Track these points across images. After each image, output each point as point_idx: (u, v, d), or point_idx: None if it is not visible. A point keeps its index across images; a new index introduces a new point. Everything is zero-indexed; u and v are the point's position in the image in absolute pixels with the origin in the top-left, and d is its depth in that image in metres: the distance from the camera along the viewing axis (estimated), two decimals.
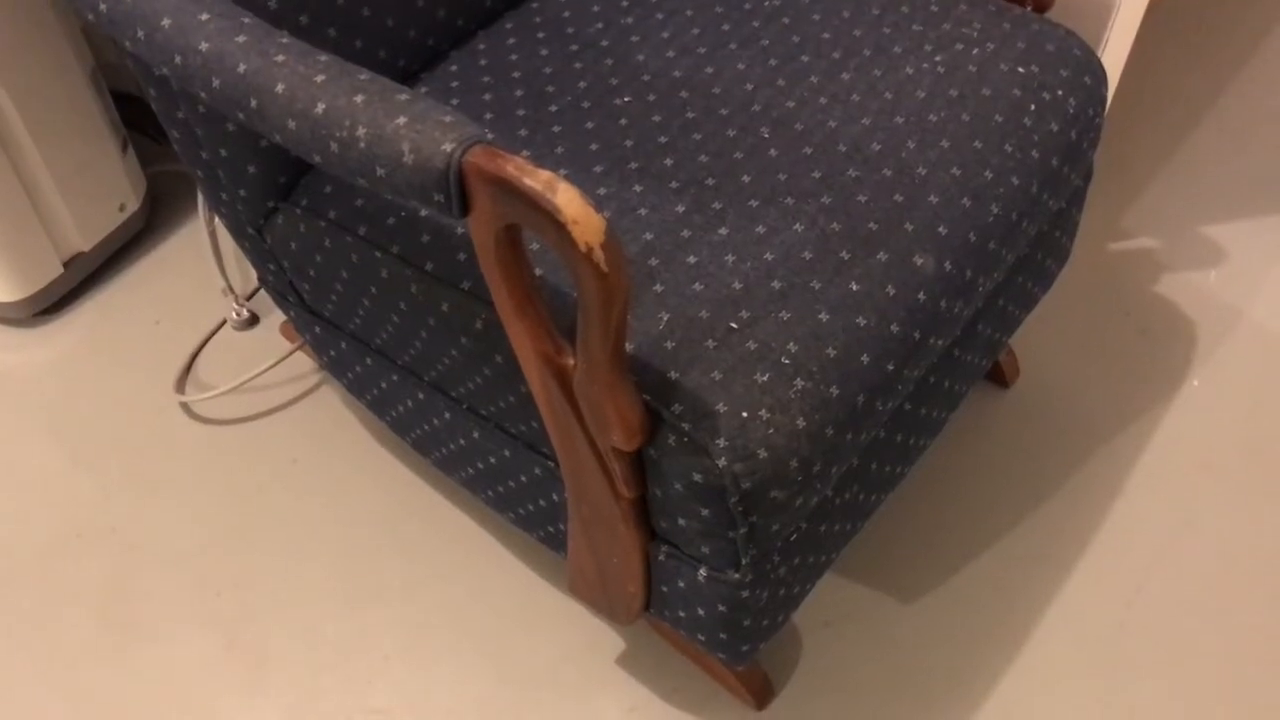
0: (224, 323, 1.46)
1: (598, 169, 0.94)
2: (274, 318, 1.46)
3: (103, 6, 0.80)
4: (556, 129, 0.98)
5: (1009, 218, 0.95)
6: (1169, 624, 1.17)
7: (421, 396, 1.05)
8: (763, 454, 0.79)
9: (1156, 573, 1.20)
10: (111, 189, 1.47)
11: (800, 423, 0.80)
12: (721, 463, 0.78)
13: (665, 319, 0.83)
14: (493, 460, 1.03)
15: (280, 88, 0.72)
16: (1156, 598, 1.19)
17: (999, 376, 1.36)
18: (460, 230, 0.91)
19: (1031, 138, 0.98)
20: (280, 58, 0.73)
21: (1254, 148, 1.67)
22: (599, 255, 0.64)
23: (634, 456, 0.83)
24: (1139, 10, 1.24)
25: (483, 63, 1.07)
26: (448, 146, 0.66)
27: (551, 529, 1.04)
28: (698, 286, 0.85)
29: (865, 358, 0.84)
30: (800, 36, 1.05)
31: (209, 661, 1.16)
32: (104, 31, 0.82)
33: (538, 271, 0.87)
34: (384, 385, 1.10)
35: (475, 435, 1.02)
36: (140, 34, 0.78)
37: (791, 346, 0.82)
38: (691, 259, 0.86)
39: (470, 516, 1.26)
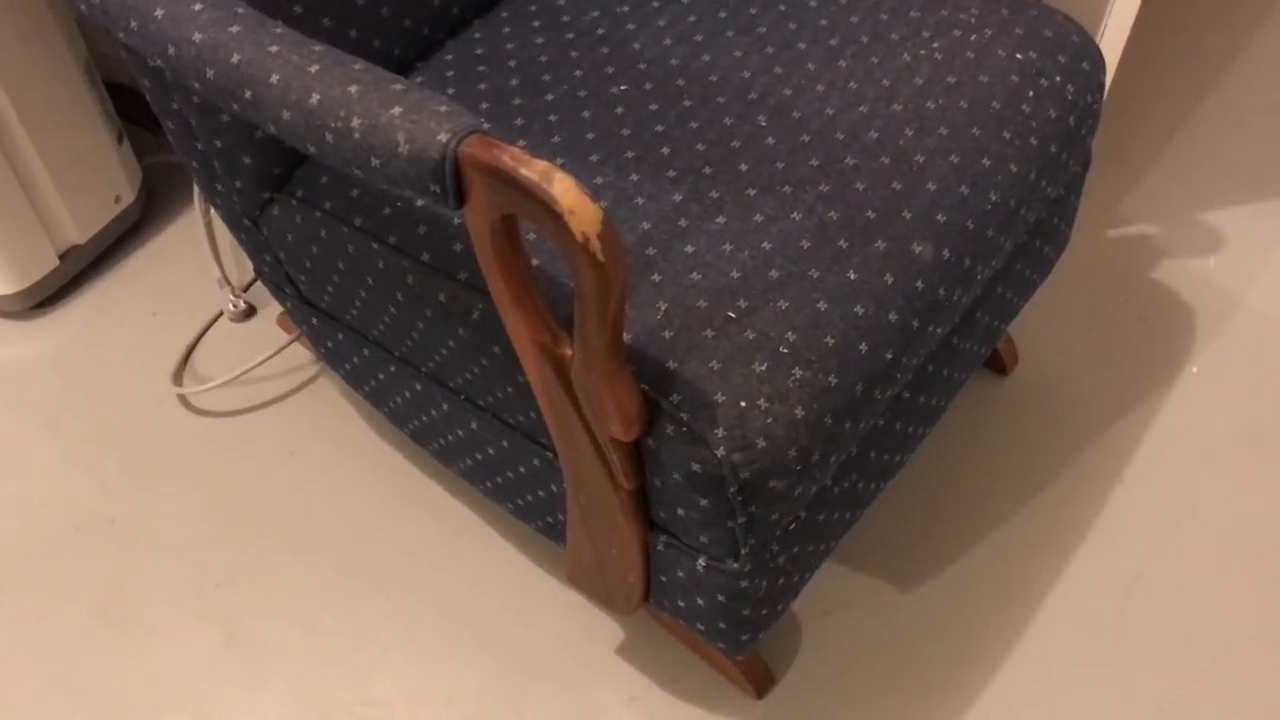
0: (221, 314, 1.46)
1: (594, 158, 0.94)
2: (271, 309, 1.46)
3: None
4: (553, 118, 0.98)
5: (1007, 205, 0.95)
6: (1167, 612, 1.17)
7: (419, 387, 1.05)
8: (761, 443, 0.79)
9: (1155, 561, 1.21)
10: (107, 181, 1.46)
11: (799, 412, 0.80)
12: (720, 452, 0.78)
13: (663, 308, 0.83)
14: (491, 451, 1.02)
15: (274, 78, 0.72)
16: (1155, 586, 1.19)
17: (998, 364, 1.36)
18: (457, 220, 0.91)
19: (1030, 124, 0.98)
20: (274, 48, 0.73)
21: (1253, 133, 1.66)
22: (596, 245, 0.64)
23: (632, 447, 0.82)
24: None
25: (478, 52, 1.06)
26: (443, 136, 0.66)
27: (550, 519, 1.04)
28: (695, 276, 0.84)
29: (864, 346, 0.84)
30: (797, 24, 1.04)
31: (208, 654, 1.16)
32: (97, 22, 0.82)
33: (534, 261, 0.87)
34: (382, 376, 1.10)
35: (473, 426, 1.02)
36: (133, 25, 0.78)
37: (790, 335, 0.82)
38: (689, 248, 0.86)
39: (469, 507, 1.26)
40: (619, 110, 0.97)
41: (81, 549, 1.24)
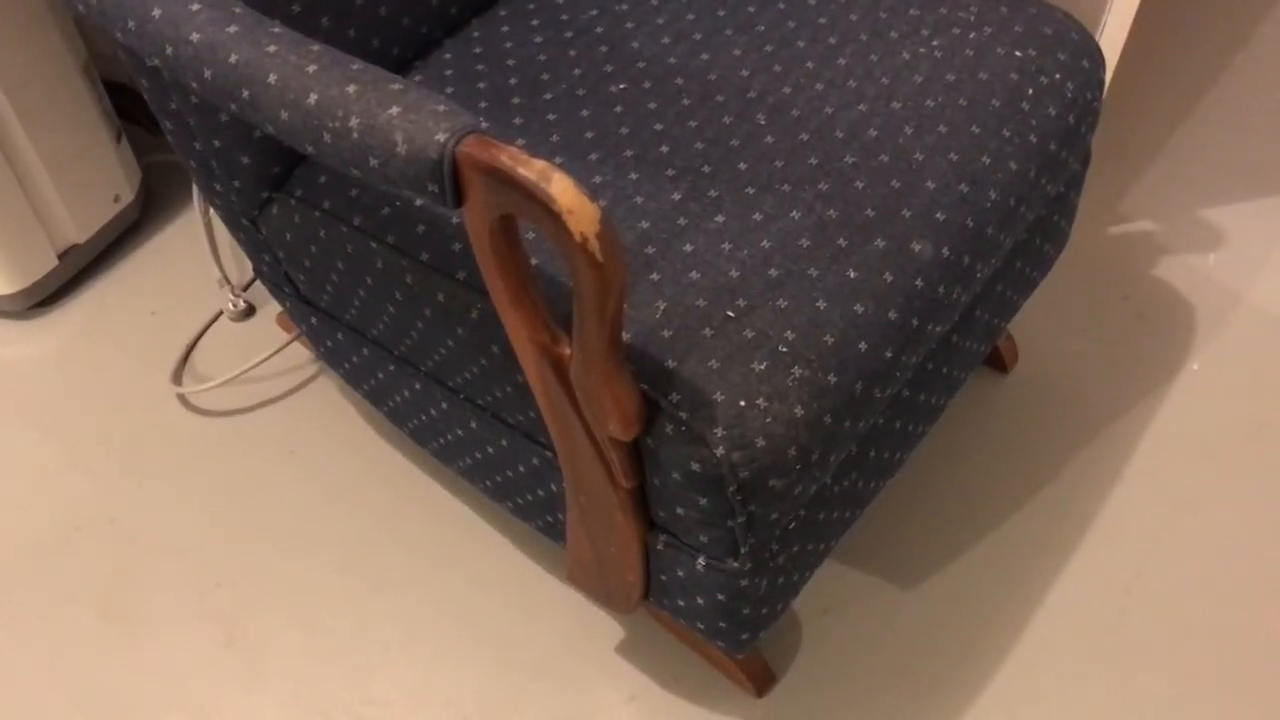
0: (220, 314, 1.46)
1: (593, 157, 0.94)
2: (271, 308, 1.46)
3: None
4: (551, 117, 0.98)
5: (1007, 203, 0.95)
6: (1169, 609, 1.17)
7: (419, 387, 1.05)
8: (761, 443, 0.78)
9: (1156, 558, 1.20)
10: (106, 180, 1.46)
11: (798, 411, 0.80)
12: (719, 452, 0.78)
13: (662, 307, 0.83)
14: (490, 450, 1.02)
15: (272, 78, 0.72)
16: (1156, 583, 1.19)
17: (998, 362, 1.36)
18: (455, 220, 0.91)
19: (1029, 122, 0.98)
20: (272, 48, 0.73)
21: (1253, 130, 1.66)
22: (594, 245, 0.64)
23: (631, 446, 0.82)
24: None
25: (477, 50, 1.06)
26: (441, 136, 0.66)
27: (550, 518, 1.04)
28: (694, 275, 0.84)
29: (863, 345, 0.84)
30: (796, 22, 1.04)
31: (208, 653, 1.16)
32: (95, 22, 0.81)
33: (533, 260, 0.87)
34: (381, 375, 1.10)
35: (473, 425, 1.02)
36: (131, 25, 0.78)
37: (789, 334, 0.82)
38: (688, 247, 0.86)
39: (469, 506, 1.26)
40: (618, 109, 0.97)
41: (81, 549, 1.24)
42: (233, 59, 0.73)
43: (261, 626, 1.18)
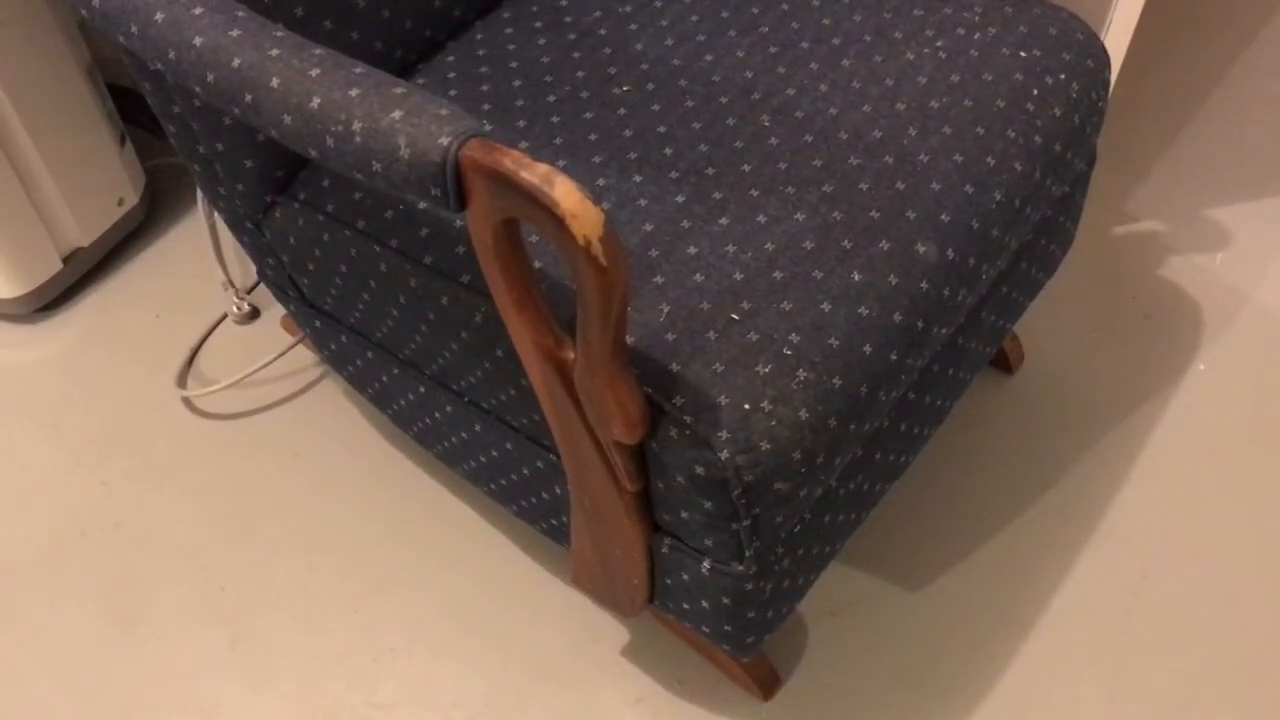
0: (225, 317, 1.46)
1: (597, 159, 0.93)
2: (275, 311, 1.46)
3: (96, 1, 0.80)
4: (555, 119, 0.97)
5: (1012, 204, 0.95)
6: (1176, 610, 1.16)
7: (423, 390, 1.05)
8: (765, 446, 0.78)
9: (1163, 559, 1.20)
10: (110, 183, 1.46)
11: (803, 414, 0.80)
12: (724, 455, 0.78)
13: (666, 311, 0.82)
14: (495, 453, 1.02)
15: (275, 82, 0.72)
16: (1163, 584, 1.18)
17: (1003, 363, 1.35)
18: (459, 224, 0.91)
19: (1034, 123, 0.97)
20: (274, 52, 0.73)
21: (1260, 130, 1.66)
22: (598, 249, 0.64)
23: (636, 449, 0.82)
24: None
25: (480, 53, 1.06)
26: (444, 140, 0.66)
27: (554, 521, 1.04)
28: (698, 278, 0.84)
29: (868, 347, 0.84)
30: (800, 23, 1.04)
31: (214, 656, 1.16)
32: (98, 26, 0.81)
33: (537, 264, 0.87)
34: (385, 379, 1.10)
35: (477, 428, 1.01)
36: (134, 29, 0.78)
37: (794, 337, 0.81)
38: (692, 250, 0.86)
39: (473, 509, 1.26)
40: (621, 111, 0.97)
41: (87, 551, 1.25)
42: (235, 63, 0.73)
43: (266, 628, 1.18)
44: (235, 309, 1.45)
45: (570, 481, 0.90)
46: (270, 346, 1.42)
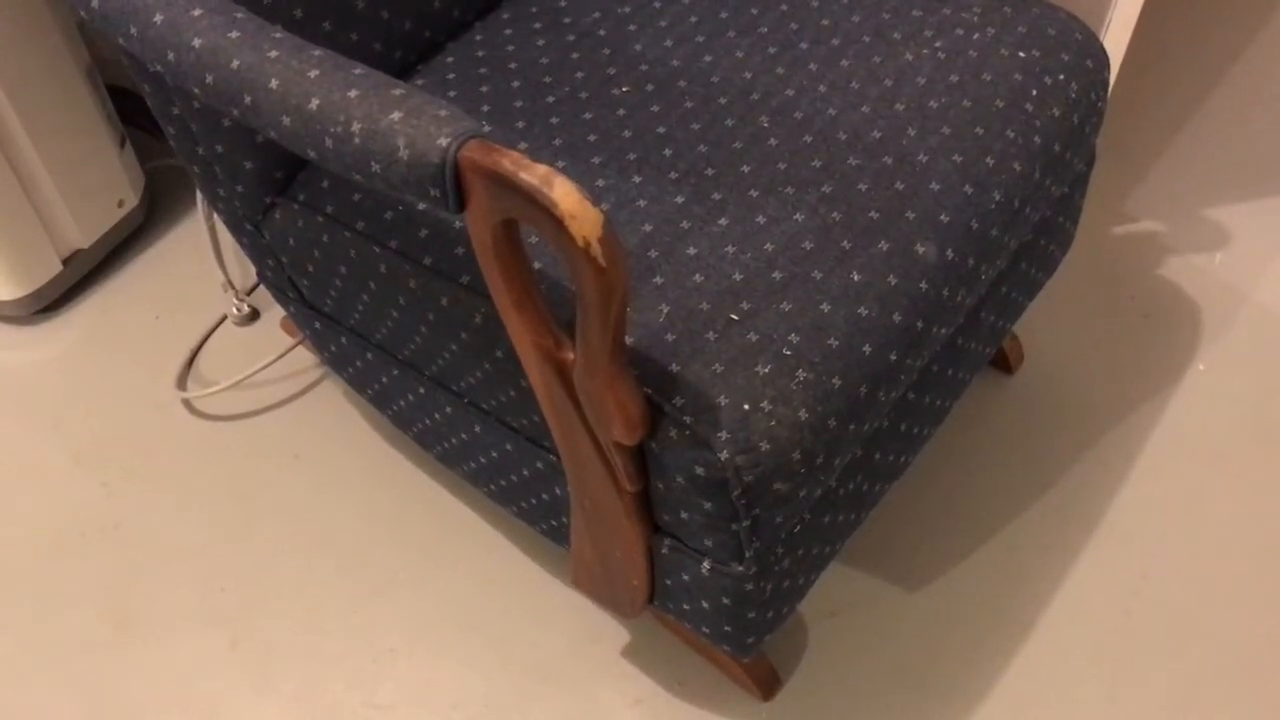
0: (224, 318, 1.46)
1: (596, 160, 0.93)
2: (275, 313, 1.46)
3: (95, 3, 0.80)
4: (554, 120, 0.97)
5: (1011, 204, 0.95)
6: (1176, 611, 1.16)
7: (422, 391, 1.05)
8: (765, 446, 0.78)
9: (1163, 559, 1.20)
10: (110, 185, 1.46)
11: (802, 414, 0.80)
12: (723, 456, 0.78)
13: (665, 311, 0.82)
14: (495, 454, 1.02)
15: (274, 84, 0.72)
16: (1163, 585, 1.18)
17: (1003, 363, 1.35)
18: (458, 224, 0.91)
19: (1033, 123, 0.97)
20: (273, 53, 0.73)
21: (1259, 130, 1.66)
22: (597, 249, 0.64)
23: (635, 450, 0.82)
24: None
25: (479, 54, 1.06)
26: (443, 141, 0.66)
27: (554, 522, 1.04)
28: (698, 278, 0.84)
29: (867, 348, 0.84)
30: (799, 24, 1.04)
31: (214, 658, 1.16)
32: (98, 28, 0.81)
33: (536, 265, 0.87)
34: (385, 380, 1.10)
35: (477, 429, 1.01)
36: (133, 30, 0.78)
37: (793, 337, 0.81)
38: (691, 250, 0.86)
39: (473, 510, 1.26)
40: (621, 112, 0.97)
41: (87, 553, 1.25)
42: (234, 64, 0.73)
43: (266, 629, 1.18)
44: (235, 310, 1.45)
45: (570, 482, 0.90)
46: (270, 348, 1.42)
